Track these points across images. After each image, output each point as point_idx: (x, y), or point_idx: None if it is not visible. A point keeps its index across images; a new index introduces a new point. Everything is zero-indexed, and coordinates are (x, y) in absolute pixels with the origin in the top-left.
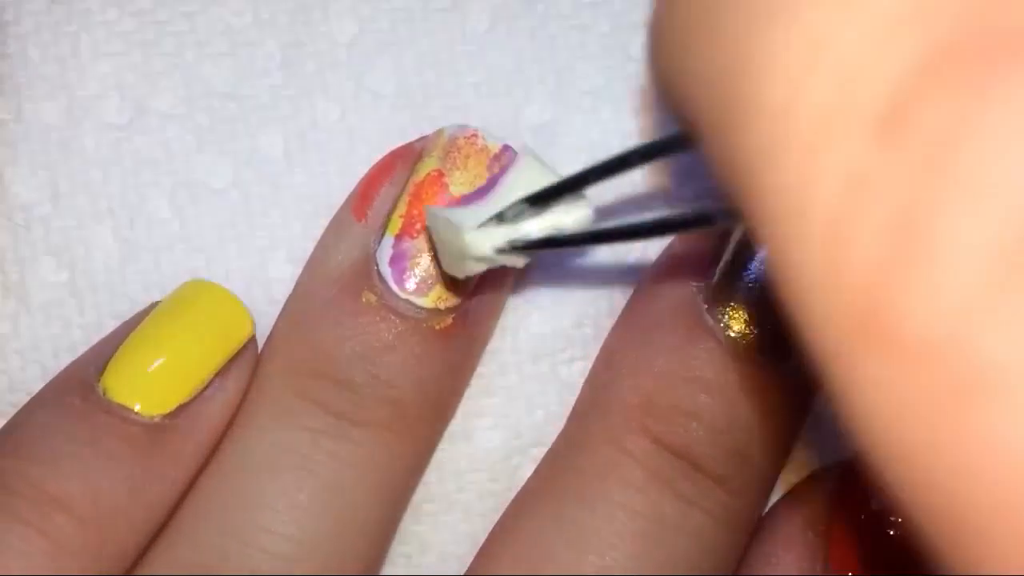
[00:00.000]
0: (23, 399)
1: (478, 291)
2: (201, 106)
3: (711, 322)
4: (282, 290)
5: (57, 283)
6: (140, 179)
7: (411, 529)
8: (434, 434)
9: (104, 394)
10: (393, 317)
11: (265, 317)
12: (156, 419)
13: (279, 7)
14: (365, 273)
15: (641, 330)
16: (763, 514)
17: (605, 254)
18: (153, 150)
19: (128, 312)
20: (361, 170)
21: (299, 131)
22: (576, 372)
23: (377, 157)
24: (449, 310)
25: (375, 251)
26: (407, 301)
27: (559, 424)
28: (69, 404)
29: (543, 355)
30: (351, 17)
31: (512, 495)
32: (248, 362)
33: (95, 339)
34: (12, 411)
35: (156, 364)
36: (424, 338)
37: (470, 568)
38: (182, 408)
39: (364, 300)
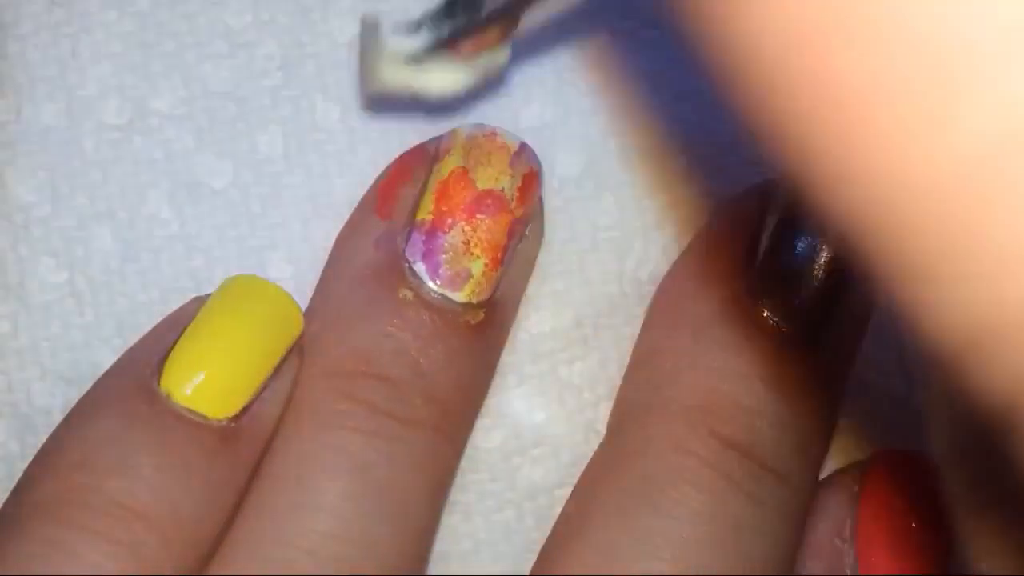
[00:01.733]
0: (22, 399)
1: (501, 286)
2: (201, 107)
3: (763, 316)
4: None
5: (57, 283)
6: (140, 179)
7: None
8: (469, 432)
9: (168, 398)
10: (431, 312)
11: None
12: (224, 423)
13: (279, 8)
14: (398, 270)
15: (687, 329)
16: None
17: (604, 255)
18: (153, 150)
19: (128, 312)
20: (361, 170)
21: (299, 131)
22: (576, 372)
23: (377, 157)
24: (481, 304)
25: (404, 249)
26: (442, 295)
27: (559, 424)
28: (134, 411)
29: (543, 355)
30: (351, 17)
31: (512, 495)
32: (295, 358)
33: (95, 339)
34: (10, 411)
35: (218, 364)
36: (461, 333)
37: (532, 570)
38: (246, 410)
39: (401, 296)
